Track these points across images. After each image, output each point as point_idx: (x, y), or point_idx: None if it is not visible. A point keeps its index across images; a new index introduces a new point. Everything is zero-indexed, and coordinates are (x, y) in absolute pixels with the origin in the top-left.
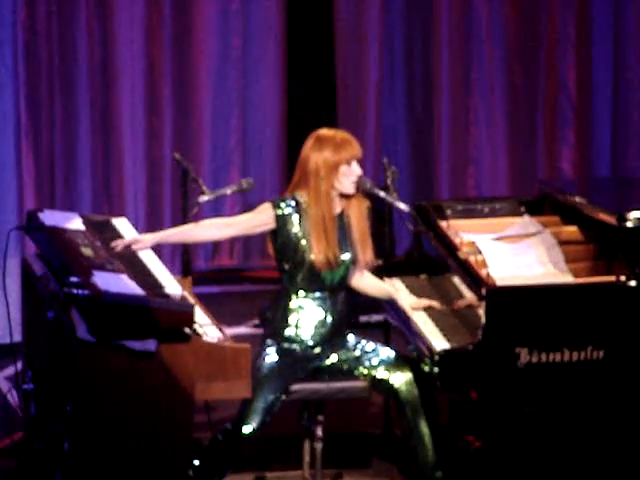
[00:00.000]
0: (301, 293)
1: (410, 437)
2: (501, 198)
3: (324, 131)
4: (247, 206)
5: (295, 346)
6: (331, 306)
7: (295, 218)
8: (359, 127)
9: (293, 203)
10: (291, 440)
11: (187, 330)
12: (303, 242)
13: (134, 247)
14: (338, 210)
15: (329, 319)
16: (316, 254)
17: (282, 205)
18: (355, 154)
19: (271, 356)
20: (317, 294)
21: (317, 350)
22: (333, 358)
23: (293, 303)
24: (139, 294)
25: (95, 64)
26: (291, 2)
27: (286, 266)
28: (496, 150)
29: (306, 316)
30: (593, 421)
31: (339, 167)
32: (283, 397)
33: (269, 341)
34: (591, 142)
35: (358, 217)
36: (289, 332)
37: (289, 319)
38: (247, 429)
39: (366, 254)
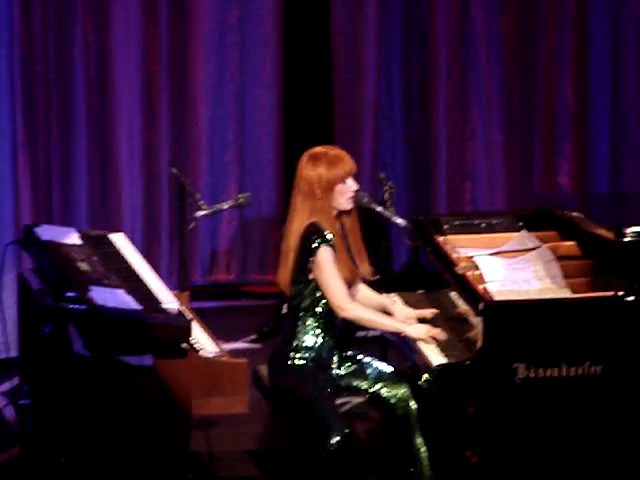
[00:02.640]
0: (320, 314)
1: (407, 453)
2: (499, 213)
3: (317, 149)
4: (244, 220)
5: (313, 363)
6: (335, 320)
7: None
8: (356, 141)
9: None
10: (289, 455)
11: (184, 345)
12: None
13: None
14: (338, 226)
15: (336, 332)
16: (344, 273)
17: (328, 239)
18: (348, 170)
19: (303, 371)
20: (330, 313)
21: (332, 360)
22: (342, 370)
23: (308, 322)
24: (136, 309)
25: (92, 78)
26: (288, 16)
27: (306, 290)
28: (493, 164)
29: (321, 333)
30: (591, 436)
31: (334, 187)
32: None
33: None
34: (589, 156)
35: (354, 230)
36: (305, 351)
37: (305, 339)
38: (334, 439)
39: (365, 266)
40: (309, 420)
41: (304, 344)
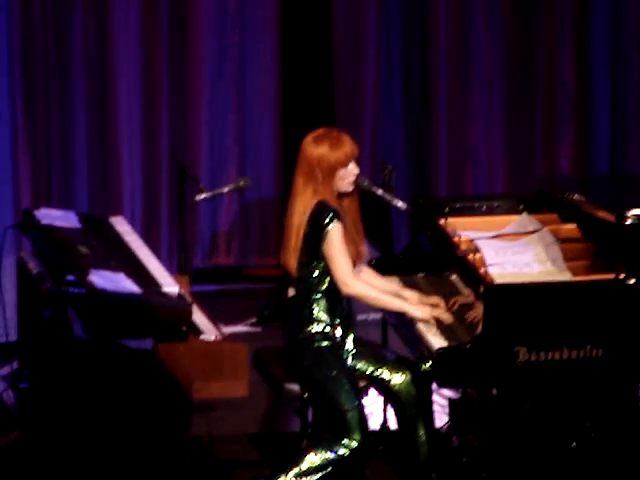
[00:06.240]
0: (333, 295)
1: (407, 438)
2: (499, 195)
3: (320, 131)
4: (244, 204)
5: (331, 343)
6: (343, 299)
7: None
8: (357, 125)
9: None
10: (289, 438)
11: (184, 329)
12: None
13: None
14: (339, 208)
15: (346, 308)
16: (349, 251)
17: (338, 216)
18: (350, 154)
19: (324, 357)
20: (337, 292)
21: (346, 342)
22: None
23: (319, 305)
24: (136, 292)
25: (91, 61)
26: (288, 0)
27: (316, 272)
28: (494, 148)
29: (334, 314)
30: (592, 419)
31: (335, 171)
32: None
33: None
34: (590, 139)
35: (353, 211)
36: (324, 334)
37: (319, 319)
38: (355, 443)
39: (363, 247)
40: (329, 407)
41: (321, 326)
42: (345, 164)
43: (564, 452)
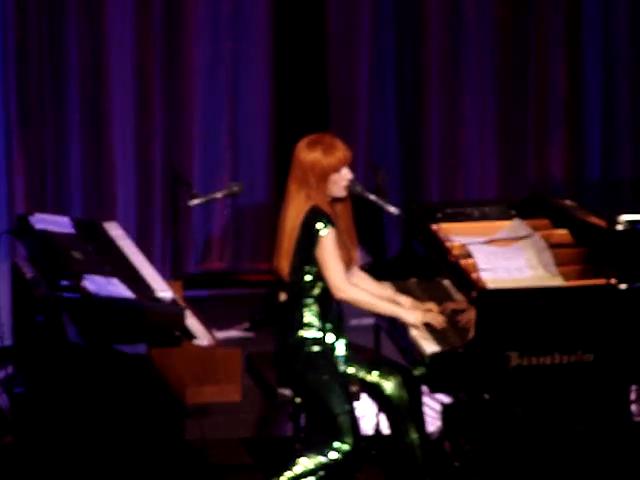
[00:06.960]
0: (324, 300)
1: (399, 442)
2: (491, 201)
3: (313, 136)
4: (237, 209)
5: (322, 348)
6: (335, 304)
7: None
8: (349, 130)
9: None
10: (282, 443)
11: (177, 334)
12: None
13: None
14: (332, 213)
15: (337, 313)
16: (341, 256)
17: (331, 221)
18: (343, 160)
19: (316, 362)
20: (329, 297)
21: (335, 346)
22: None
23: (311, 310)
24: (129, 298)
25: (85, 67)
26: (281, 3)
27: (308, 277)
28: (486, 153)
29: (326, 319)
30: (583, 423)
31: (328, 176)
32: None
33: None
34: (581, 145)
35: (346, 216)
36: (315, 339)
37: (311, 324)
38: (347, 447)
39: (355, 252)
40: (321, 411)
41: (313, 331)
42: (338, 169)
43: (555, 456)
